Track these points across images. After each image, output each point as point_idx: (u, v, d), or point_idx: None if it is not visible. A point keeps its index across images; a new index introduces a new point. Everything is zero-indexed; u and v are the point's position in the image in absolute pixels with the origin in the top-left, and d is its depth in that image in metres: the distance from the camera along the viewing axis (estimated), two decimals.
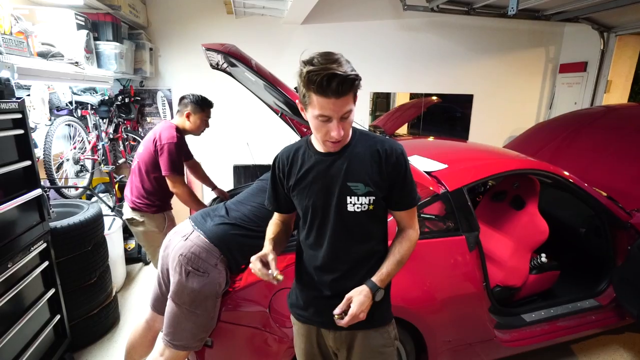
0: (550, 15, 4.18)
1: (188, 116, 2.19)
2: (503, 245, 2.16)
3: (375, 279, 1.07)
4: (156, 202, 2.20)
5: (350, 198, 1.05)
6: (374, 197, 1.06)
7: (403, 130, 4.72)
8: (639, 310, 1.88)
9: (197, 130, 2.26)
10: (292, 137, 4.38)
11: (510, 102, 4.88)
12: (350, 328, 1.07)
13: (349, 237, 1.10)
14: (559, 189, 2.32)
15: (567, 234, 2.47)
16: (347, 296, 1.05)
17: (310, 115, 0.98)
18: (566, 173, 2.03)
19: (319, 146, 1.09)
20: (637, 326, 2.11)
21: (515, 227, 2.16)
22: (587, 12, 3.92)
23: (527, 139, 3.44)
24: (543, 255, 2.15)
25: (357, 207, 1.06)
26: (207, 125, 2.29)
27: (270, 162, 1.19)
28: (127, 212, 2.24)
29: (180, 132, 2.19)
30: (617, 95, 4.46)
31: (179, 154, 2.10)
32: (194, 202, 2.14)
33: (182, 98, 2.23)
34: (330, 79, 0.88)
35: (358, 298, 1.03)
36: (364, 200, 1.06)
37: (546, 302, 2.13)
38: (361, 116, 4.05)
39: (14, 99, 1.65)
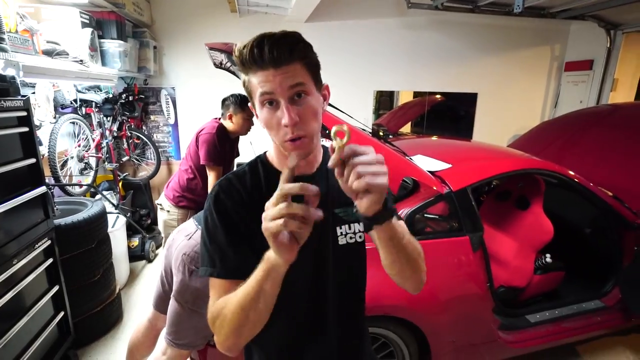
0: (556, 13, 4.13)
1: (230, 118, 2.23)
2: (507, 245, 2.15)
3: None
4: (182, 194, 2.28)
5: (341, 228, 0.82)
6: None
7: (407, 129, 4.69)
8: None
9: (242, 130, 2.28)
10: None
11: (515, 100, 4.84)
12: None
13: (350, 282, 0.86)
14: (564, 189, 2.30)
15: (573, 234, 2.45)
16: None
17: (257, 107, 0.72)
18: (571, 172, 2.01)
19: (282, 164, 0.79)
20: None
21: (520, 227, 2.14)
22: (594, 10, 3.87)
23: (532, 138, 3.41)
24: (548, 255, 2.13)
25: (350, 238, 0.83)
26: (251, 124, 2.29)
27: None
28: (160, 197, 2.41)
29: (225, 131, 2.23)
30: (624, 93, 4.42)
31: (217, 145, 2.15)
32: None
33: (223, 101, 2.26)
34: (259, 42, 0.66)
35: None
36: (358, 227, 0.83)
37: (551, 303, 2.11)
38: (365, 114, 4.03)
39: (19, 97, 1.65)
